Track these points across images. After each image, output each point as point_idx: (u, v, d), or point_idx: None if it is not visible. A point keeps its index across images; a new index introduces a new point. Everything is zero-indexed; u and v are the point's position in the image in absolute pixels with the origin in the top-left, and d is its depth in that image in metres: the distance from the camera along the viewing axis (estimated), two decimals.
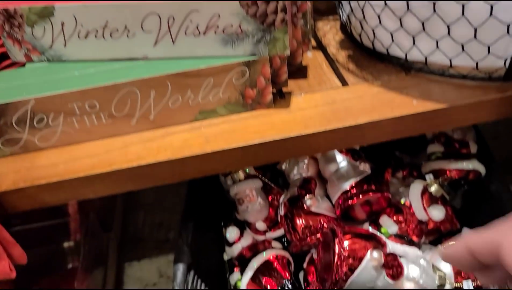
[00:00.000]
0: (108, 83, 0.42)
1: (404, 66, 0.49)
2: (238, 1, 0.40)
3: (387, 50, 0.48)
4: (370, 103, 0.45)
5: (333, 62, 0.52)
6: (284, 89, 0.48)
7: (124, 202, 0.74)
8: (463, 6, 0.39)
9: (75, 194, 0.43)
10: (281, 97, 0.48)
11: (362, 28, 0.49)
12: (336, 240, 0.46)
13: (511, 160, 0.66)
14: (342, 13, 0.52)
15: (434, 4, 0.40)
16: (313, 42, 0.57)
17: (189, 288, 0.49)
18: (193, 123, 0.46)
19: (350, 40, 0.55)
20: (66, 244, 0.65)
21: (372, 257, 0.47)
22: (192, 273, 0.52)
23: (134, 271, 0.66)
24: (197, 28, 0.42)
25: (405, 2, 0.42)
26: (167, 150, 0.43)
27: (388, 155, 0.66)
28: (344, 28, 0.57)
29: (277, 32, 0.42)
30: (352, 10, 0.49)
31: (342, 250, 0.46)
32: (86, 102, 0.42)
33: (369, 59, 0.51)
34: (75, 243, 0.65)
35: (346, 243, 0.46)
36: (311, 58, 0.54)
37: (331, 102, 0.46)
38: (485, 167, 0.56)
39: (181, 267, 0.50)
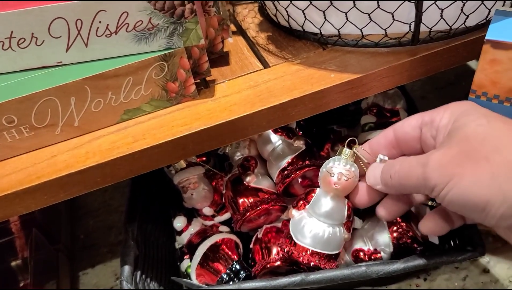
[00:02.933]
0: (23, 95, 0.41)
1: (321, 41, 0.50)
2: None
3: (302, 27, 0.50)
4: (290, 81, 0.46)
5: (254, 45, 0.53)
6: (208, 78, 0.49)
7: (69, 210, 0.73)
8: None
9: (5, 213, 0.42)
10: (205, 87, 0.48)
11: (277, 9, 0.50)
12: None
13: None
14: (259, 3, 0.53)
15: None
16: (233, 27, 0.57)
17: (137, 281, 0.49)
18: (120, 124, 0.45)
19: (268, 21, 0.56)
20: (13, 263, 0.64)
21: None
22: (140, 265, 0.52)
23: (90, 278, 0.65)
24: (108, 28, 0.42)
25: None
26: (95, 155, 0.42)
27: (327, 129, 0.68)
28: (262, 10, 0.58)
29: (189, 23, 0.42)
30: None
31: None
32: (2, 118, 0.41)
33: (288, 38, 0.52)
34: (23, 260, 0.63)
35: None
36: (232, 43, 0.54)
37: (254, 85, 0.47)
38: None
39: (127, 261, 0.50)
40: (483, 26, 0.47)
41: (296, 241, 0.46)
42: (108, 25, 0.42)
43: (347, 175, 0.43)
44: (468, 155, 0.34)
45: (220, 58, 0.52)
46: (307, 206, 0.47)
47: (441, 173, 0.34)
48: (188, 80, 0.45)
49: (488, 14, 0.46)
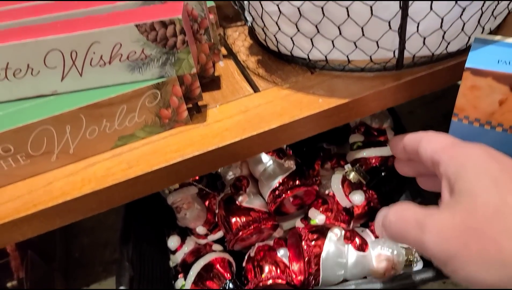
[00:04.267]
0: (19, 125, 0.42)
1: (309, 65, 0.52)
2: (136, 29, 0.41)
3: (291, 52, 0.51)
4: (280, 106, 0.48)
5: (244, 69, 0.54)
6: (200, 103, 0.50)
7: (64, 229, 0.74)
8: (347, 9, 0.42)
9: (2, 241, 0.42)
10: (197, 112, 0.49)
11: (266, 34, 0.52)
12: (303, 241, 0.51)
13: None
14: (246, 21, 0.54)
15: (323, 9, 0.43)
16: (224, 51, 0.58)
17: None
18: (114, 150, 0.47)
19: (258, 44, 0.57)
20: (9, 284, 0.64)
21: (334, 233, 0.51)
22: (135, 285, 0.53)
23: None
24: (102, 58, 0.43)
25: (296, 9, 0.44)
26: (91, 182, 0.44)
27: (317, 147, 0.69)
28: (252, 33, 0.59)
29: (181, 53, 0.43)
30: (253, 19, 0.52)
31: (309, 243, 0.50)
32: None
33: (277, 62, 0.54)
34: (18, 281, 0.64)
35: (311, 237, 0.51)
36: (223, 67, 0.55)
37: (244, 110, 0.48)
38: None
39: (122, 282, 0.51)
40: (464, 51, 0.49)
41: None
42: (102, 55, 0.43)
43: None
44: (474, 232, 0.29)
45: (212, 82, 0.53)
46: None
47: (442, 248, 0.30)
48: (180, 106, 0.46)
49: (468, 40, 0.48)
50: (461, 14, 0.43)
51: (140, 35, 0.42)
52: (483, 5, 0.44)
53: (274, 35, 0.50)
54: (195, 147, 0.45)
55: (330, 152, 0.66)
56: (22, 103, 0.45)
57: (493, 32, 0.51)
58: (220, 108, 0.49)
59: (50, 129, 0.43)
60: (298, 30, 0.47)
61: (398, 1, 0.41)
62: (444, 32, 0.45)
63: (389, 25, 0.43)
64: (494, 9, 0.46)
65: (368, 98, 0.48)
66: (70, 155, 0.45)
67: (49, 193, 0.43)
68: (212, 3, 0.54)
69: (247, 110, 0.48)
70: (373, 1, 0.41)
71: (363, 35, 0.44)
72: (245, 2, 0.51)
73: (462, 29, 0.45)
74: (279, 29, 0.48)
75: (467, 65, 0.43)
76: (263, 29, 0.51)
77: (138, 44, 0.42)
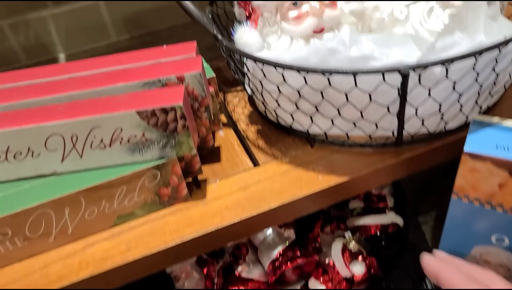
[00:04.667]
0: (18, 210, 0.42)
1: (309, 138, 0.52)
2: (137, 115, 0.42)
3: (290, 126, 0.51)
4: (280, 184, 0.48)
5: (244, 140, 0.55)
6: (199, 177, 0.50)
7: None
8: (346, 94, 0.43)
9: None
10: (197, 187, 0.49)
11: (265, 107, 0.52)
12: None
13: (421, 193, 0.72)
14: (247, 92, 0.55)
15: (322, 93, 0.44)
16: (224, 118, 0.59)
17: None
18: (113, 228, 0.46)
19: (257, 113, 0.58)
20: None
21: None
22: None
23: None
24: (102, 141, 0.43)
25: (296, 90, 0.45)
26: (89, 265, 0.43)
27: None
28: (251, 101, 0.60)
29: (181, 137, 0.43)
30: (253, 92, 0.52)
31: None
32: None
33: (277, 132, 0.54)
34: None
35: None
36: (223, 136, 0.56)
37: (244, 187, 0.48)
38: (403, 215, 0.60)
39: None
40: (463, 128, 0.49)
41: None
42: (102, 138, 0.43)
43: None
44: None
45: (211, 154, 0.53)
46: None
47: None
48: (180, 184, 0.46)
49: (467, 119, 0.48)
50: (459, 98, 0.44)
51: (141, 120, 0.42)
52: (480, 89, 0.44)
53: (274, 110, 0.51)
54: (194, 227, 0.45)
55: (330, 215, 0.66)
56: (22, 184, 0.45)
57: (490, 108, 0.51)
58: (220, 183, 0.49)
59: (49, 212, 0.43)
60: (298, 108, 0.47)
61: (397, 89, 0.41)
62: (443, 114, 0.45)
63: (388, 110, 0.43)
64: (491, 90, 0.46)
65: (368, 176, 0.48)
66: (68, 235, 0.45)
67: (46, 277, 0.43)
68: (212, 74, 0.54)
69: (247, 187, 0.48)
70: (372, 89, 0.41)
71: (362, 117, 0.45)
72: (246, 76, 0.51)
73: (460, 110, 0.46)
74: (279, 105, 0.49)
75: (465, 149, 0.43)
76: (262, 103, 0.52)
77: (138, 129, 0.43)
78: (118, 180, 0.43)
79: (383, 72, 0.39)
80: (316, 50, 0.41)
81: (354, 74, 0.40)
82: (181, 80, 0.45)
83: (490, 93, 0.47)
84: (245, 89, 0.54)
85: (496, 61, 0.41)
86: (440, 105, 0.43)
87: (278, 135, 0.54)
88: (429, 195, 0.70)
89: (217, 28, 0.50)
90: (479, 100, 0.46)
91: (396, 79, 0.40)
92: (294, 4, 0.49)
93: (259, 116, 0.57)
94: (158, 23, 1.01)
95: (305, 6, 0.49)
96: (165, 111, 0.42)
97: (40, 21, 0.93)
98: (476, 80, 0.42)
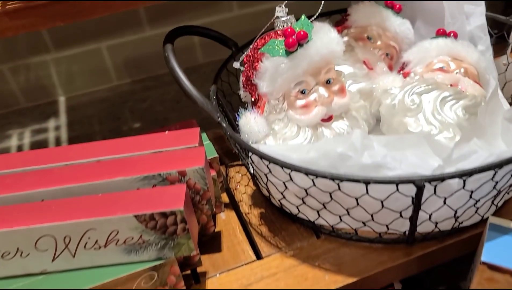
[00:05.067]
0: None
1: (314, 229, 0.49)
2: (135, 218, 0.39)
3: (296, 215, 0.49)
4: (284, 281, 0.45)
5: (247, 225, 0.52)
6: (199, 269, 0.47)
7: None
8: (356, 199, 0.40)
9: None
10: (196, 281, 0.47)
11: (270, 193, 0.50)
12: None
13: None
14: (251, 174, 0.53)
15: (331, 194, 0.41)
16: (226, 197, 0.56)
17: None
18: None
19: (261, 195, 0.55)
20: None
21: None
22: None
23: None
24: (97, 242, 0.41)
25: (303, 189, 0.42)
26: None
27: None
28: (255, 179, 0.57)
29: (181, 239, 0.41)
30: (257, 178, 0.50)
31: None
32: None
33: (281, 219, 0.52)
34: None
35: None
36: (225, 220, 0.53)
37: (246, 283, 0.45)
38: None
39: None
40: (477, 225, 0.46)
41: None
42: (97, 240, 0.40)
43: None
44: None
45: (212, 240, 0.50)
46: None
47: None
48: (178, 283, 0.44)
49: (482, 218, 0.45)
50: (475, 203, 0.41)
51: (139, 223, 0.40)
52: (498, 193, 0.42)
53: (279, 200, 0.48)
54: None
55: None
56: (10, 283, 0.42)
57: (507, 202, 0.49)
58: (221, 277, 0.47)
59: None
60: (304, 203, 0.45)
61: (411, 197, 0.39)
62: (457, 217, 0.43)
63: (400, 215, 0.41)
64: (508, 190, 0.44)
65: (377, 275, 0.45)
66: None
67: None
68: (214, 154, 0.52)
69: (250, 284, 0.45)
70: (384, 197, 0.39)
71: (372, 219, 0.42)
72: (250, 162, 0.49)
73: (476, 211, 0.43)
74: (284, 197, 0.46)
75: (483, 259, 0.40)
76: (266, 189, 0.49)
77: (136, 231, 0.40)
78: (111, 282, 0.41)
79: (397, 183, 0.37)
80: (325, 154, 0.39)
81: (366, 183, 0.37)
82: (182, 174, 0.43)
83: (507, 192, 0.45)
84: (248, 171, 0.51)
85: None
86: (455, 211, 0.41)
87: (282, 221, 0.51)
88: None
89: (221, 114, 0.48)
90: (496, 200, 0.44)
91: (411, 189, 0.38)
92: (301, 92, 0.47)
93: (262, 197, 0.55)
94: (160, 68, 1.00)
95: (313, 95, 0.47)
96: (164, 215, 0.39)
97: (41, 65, 0.91)
98: (495, 187, 0.40)
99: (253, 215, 0.53)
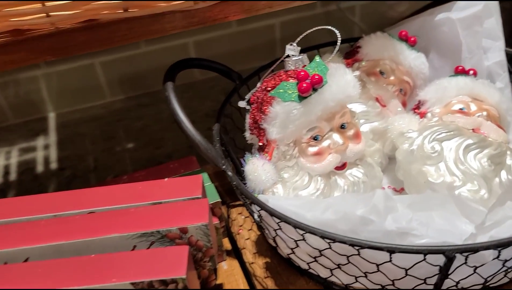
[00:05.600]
0: None
1: (325, 285, 0.45)
2: (131, 285, 0.35)
3: (306, 269, 0.45)
4: None
5: (251, 276, 0.48)
6: None
7: None
8: (377, 265, 0.36)
9: None
10: None
11: (277, 245, 0.46)
12: None
13: None
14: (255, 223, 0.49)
15: (348, 257, 0.37)
16: (228, 244, 0.52)
17: None
18: None
19: (266, 242, 0.51)
20: None
21: None
22: None
23: None
24: None
25: (317, 250, 0.39)
26: None
27: None
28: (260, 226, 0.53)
29: None
30: (263, 229, 0.46)
31: None
32: None
33: (288, 270, 0.48)
34: None
35: None
36: (227, 271, 0.49)
37: None
38: None
39: None
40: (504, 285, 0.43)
41: None
42: None
43: None
44: None
45: None
46: None
47: None
48: None
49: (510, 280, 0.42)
50: (507, 270, 0.38)
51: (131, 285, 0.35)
52: None
53: (288, 254, 0.44)
54: None
55: None
56: None
57: None
58: None
59: None
60: (316, 261, 0.41)
61: (438, 266, 0.35)
62: (486, 283, 0.39)
63: (424, 281, 0.37)
64: None
65: None
66: None
67: None
68: (217, 198, 0.48)
69: None
70: (409, 265, 0.35)
71: (393, 285, 0.39)
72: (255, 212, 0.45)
73: (505, 275, 0.40)
74: (294, 253, 0.43)
75: None
76: (274, 241, 0.46)
77: None
78: None
79: (425, 253, 0.33)
80: (345, 217, 0.35)
81: (391, 252, 0.34)
82: (184, 231, 0.39)
83: None
84: (254, 220, 0.47)
85: None
86: (485, 279, 0.37)
87: (290, 274, 0.47)
88: None
89: (226, 160, 0.44)
90: None
91: (439, 258, 0.34)
92: (314, 138, 0.43)
93: (267, 245, 0.51)
94: (155, 84, 0.95)
95: (327, 141, 0.43)
96: (164, 282, 0.35)
97: (31, 80, 0.87)
98: None
99: (258, 265, 0.49)
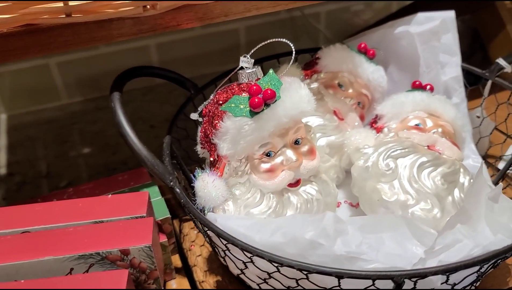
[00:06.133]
0: None
1: None
2: None
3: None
4: None
5: None
6: None
7: None
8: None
9: None
10: None
11: (227, 264, 0.44)
12: None
13: None
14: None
15: (297, 281, 0.36)
16: (178, 261, 0.50)
17: None
18: None
19: (218, 260, 0.49)
20: None
21: None
22: None
23: None
24: None
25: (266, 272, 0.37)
26: None
27: None
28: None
29: None
30: (213, 247, 0.44)
31: None
32: None
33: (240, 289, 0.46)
34: None
35: None
36: (176, 289, 0.47)
37: None
38: None
39: None
40: None
41: None
42: None
43: None
44: None
45: None
46: None
47: None
48: None
49: None
50: None
51: None
52: (481, 278, 0.38)
53: (238, 274, 0.43)
54: None
55: None
56: None
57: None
58: None
59: None
60: (266, 283, 0.40)
61: None
62: None
63: None
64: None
65: None
66: None
67: None
68: (166, 214, 0.46)
69: None
70: None
71: None
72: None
73: None
74: (243, 273, 0.41)
75: None
76: (224, 260, 0.44)
77: None
78: None
79: (373, 279, 0.32)
80: (294, 241, 0.34)
81: (339, 277, 0.32)
82: (125, 253, 0.37)
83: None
84: (204, 236, 0.46)
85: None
86: None
87: None
88: None
89: (175, 176, 0.42)
90: (476, 284, 0.40)
91: (389, 283, 0.33)
92: (267, 154, 0.42)
93: (219, 263, 0.49)
94: None
95: (280, 158, 0.42)
96: None
97: None
98: (478, 277, 0.36)
99: (208, 283, 0.47)
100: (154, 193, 0.49)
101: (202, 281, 0.48)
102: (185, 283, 0.48)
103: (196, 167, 0.43)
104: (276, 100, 0.39)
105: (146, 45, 0.89)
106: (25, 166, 0.78)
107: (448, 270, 0.32)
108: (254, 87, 0.39)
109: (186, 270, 0.49)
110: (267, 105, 0.39)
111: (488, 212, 0.37)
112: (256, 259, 0.36)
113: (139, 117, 0.86)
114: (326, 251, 0.33)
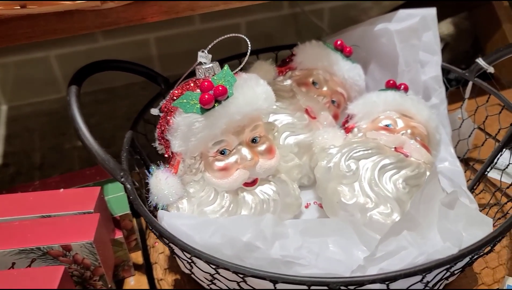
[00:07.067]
0: None
1: None
2: None
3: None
4: None
5: None
6: None
7: None
8: None
9: None
10: None
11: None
12: None
13: None
14: None
15: (238, 283, 0.35)
16: (140, 258, 0.49)
17: None
18: None
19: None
20: None
21: None
22: None
23: None
24: None
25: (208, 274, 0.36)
26: None
27: None
28: None
29: None
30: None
31: None
32: None
33: (196, 288, 0.45)
34: None
35: None
36: (133, 285, 0.46)
37: None
38: None
39: None
40: None
41: None
42: None
43: None
44: None
45: None
46: None
47: None
48: None
49: None
50: None
51: None
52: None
53: (190, 274, 0.42)
54: None
55: None
56: None
57: None
58: None
59: None
60: (213, 283, 0.39)
61: None
62: None
63: None
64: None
65: None
66: None
67: None
68: (126, 211, 0.46)
69: None
70: None
71: None
72: None
73: None
74: (192, 273, 0.40)
75: None
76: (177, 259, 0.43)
77: None
78: None
79: (308, 285, 0.31)
80: (231, 242, 0.33)
81: (273, 281, 0.31)
82: (67, 249, 0.36)
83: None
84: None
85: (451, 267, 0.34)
86: None
87: None
88: None
89: (127, 173, 0.41)
90: None
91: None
92: (221, 152, 0.41)
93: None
94: (114, 81, 0.92)
95: (234, 156, 0.41)
96: None
97: None
98: (425, 286, 0.34)
99: (167, 282, 0.47)
100: (116, 189, 0.48)
101: (161, 279, 0.47)
102: (144, 281, 0.47)
103: (151, 164, 0.42)
104: (227, 97, 0.38)
105: (145, 39, 0.89)
106: (20, 157, 0.79)
107: (387, 279, 0.31)
108: (206, 83, 0.38)
109: (146, 269, 0.49)
110: (218, 102, 0.38)
111: (442, 219, 0.35)
112: (196, 259, 0.35)
113: (136, 112, 0.86)
114: (263, 254, 0.32)
